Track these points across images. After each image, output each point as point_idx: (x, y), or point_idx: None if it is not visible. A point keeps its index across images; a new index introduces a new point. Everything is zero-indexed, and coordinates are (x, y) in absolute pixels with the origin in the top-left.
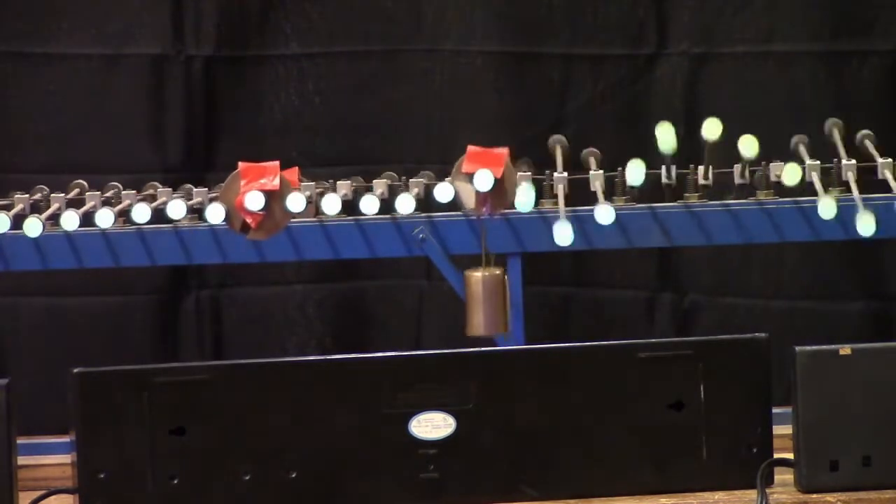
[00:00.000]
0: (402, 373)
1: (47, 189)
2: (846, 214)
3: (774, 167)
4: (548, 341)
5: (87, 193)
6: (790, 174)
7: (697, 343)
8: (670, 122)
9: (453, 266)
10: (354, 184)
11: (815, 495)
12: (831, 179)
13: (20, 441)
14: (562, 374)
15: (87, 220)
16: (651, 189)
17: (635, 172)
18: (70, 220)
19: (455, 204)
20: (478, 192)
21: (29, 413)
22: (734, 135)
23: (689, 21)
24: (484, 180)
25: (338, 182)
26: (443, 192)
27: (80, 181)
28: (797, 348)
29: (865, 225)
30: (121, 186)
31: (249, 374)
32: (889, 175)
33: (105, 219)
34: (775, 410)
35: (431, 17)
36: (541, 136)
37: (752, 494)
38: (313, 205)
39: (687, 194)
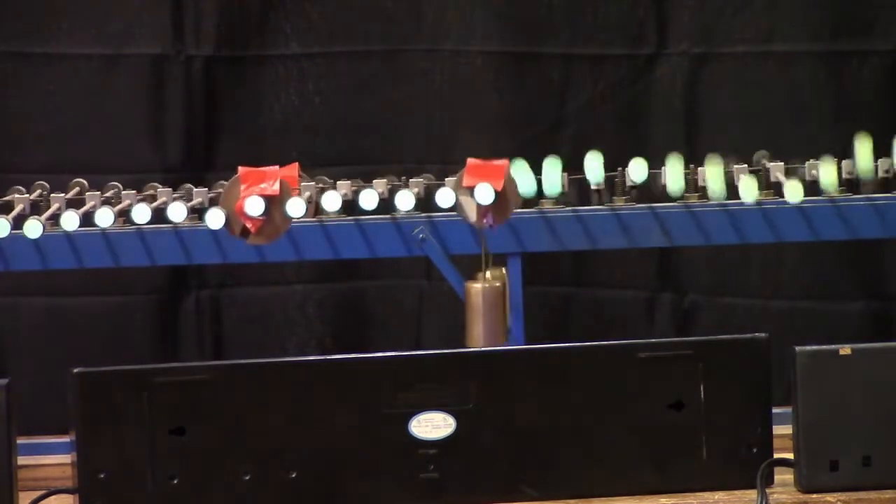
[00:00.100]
0: (402, 373)
1: (47, 186)
2: (846, 214)
3: (774, 168)
4: (548, 341)
5: (88, 193)
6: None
7: (697, 343)
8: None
9: (453, 266)
10: (354, 185)
11: (815, 495)
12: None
13: (20, 441)
14: (562, 374)
15: (86, 219)
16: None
17: (637, 170)
18: (70, 221)
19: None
20: (479, 205)
21: (29, 413)
22: (735, 135)
23: (689, 21)
24: (485, 194)
25: (338, 182)
26: (444, 197)
27: (80, 180)
28: (797, 348)
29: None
30: (121, 186)
31: (249, 374)
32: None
33: (105, 218)
34: (775, 410)
35: (431, 17)
36: (541, 136)
37: (752, 494)
38: (313, 204)
39: (687, 194)
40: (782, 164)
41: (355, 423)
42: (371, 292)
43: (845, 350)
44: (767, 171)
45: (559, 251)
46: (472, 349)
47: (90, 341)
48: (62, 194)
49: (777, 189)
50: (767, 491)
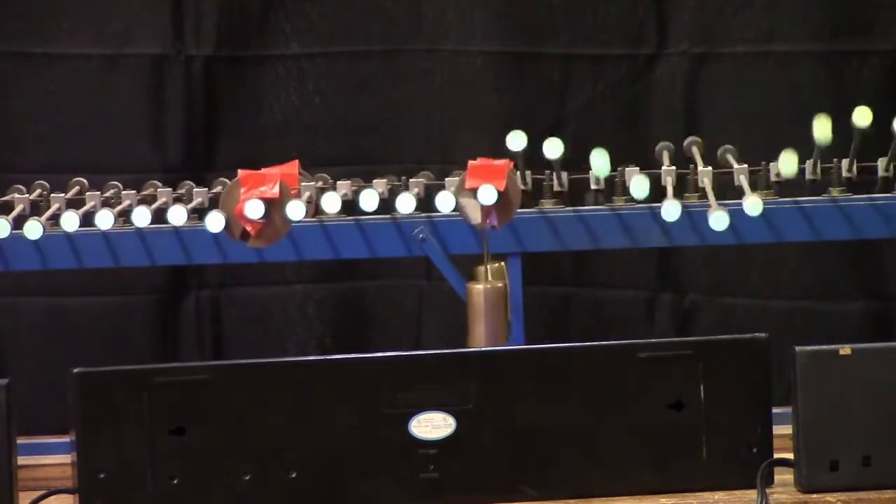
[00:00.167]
0: (402, 373)
1: (47, 186)
2: (847, 214)
3: (774, 167)
4: (548, 341)
5: (88, 193)
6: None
7: (697, 343)
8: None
9: (453, 266)
10: (354, 185)
11: (815, 495)
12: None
13: (20, 441)
14: (562, 374)
15: (86, 220)
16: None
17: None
18: (70, 221)
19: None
20: (482, 207)
21: (29, 413)
22: (735, 135)
23: (689, 21)
24: (488, 195)
25: (338, 182)
26: (444, 201)
27: (80, 179)
28: (797, 348)
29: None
30: (121, 186)
31: (249, 374)
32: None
33: (105, 220)
34: (775, 410)
35: (431, 17)
36: (541, 135)
37: (752, 494)
38: (313, 204)
39: (687, 194)
40: (746, 166)
41: (355, 423)
42: (371, 292)
43: (845, 350)
44: (768, 171)
45: (559, 251)
46: (472, 349)
47: (90, 341)
48: (62, 194)
49: (776, 188)
50: (767, 491)
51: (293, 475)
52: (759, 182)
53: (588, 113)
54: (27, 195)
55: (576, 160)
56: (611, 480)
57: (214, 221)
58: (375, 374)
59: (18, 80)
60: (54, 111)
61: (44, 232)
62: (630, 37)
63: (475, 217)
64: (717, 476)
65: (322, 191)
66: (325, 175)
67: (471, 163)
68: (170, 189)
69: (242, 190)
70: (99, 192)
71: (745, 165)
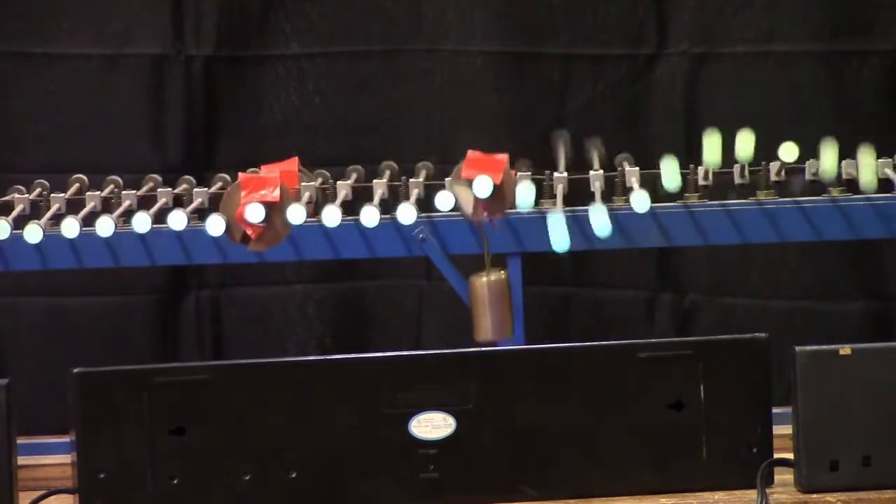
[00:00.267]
0: (402, 373)
1: (47, 185)
2: (847, 214)
3: (774, 167)
4: (548, 341)
5: (88, 194)
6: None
7: (697, 343)
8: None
9: (453, 266)
10: (355, 179)
11: (815, 495)
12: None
13: (20, 441)
14: (562, 374)
15: (86, 220)
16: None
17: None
18: (70, 228)
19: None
20: (477, 199)
21: (29, 413)
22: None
23: (689, 21)
24: (483, 186)
25: (338, 182)
26: (443, 200)
27: (80, 176)
28: (797, 348)
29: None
30: (120, 181)
31: (249, 374)
32: (891, 173)
33: (105, 227)
34: (775, 410)
35: (431, 17)
36: (541, 136)
37: (752, 494)
38: (313, 204)
39: (687, 194)
40: (638, 169)
41: (355, 423)
42: (371, 292)
43: (845, 350)
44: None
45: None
46: (471, 349)
47: (90, 341)
48: (62, 194)
49: (776, 188)
50: (767, 491)
51: (293, 475)
52: (759, 182)
53: (588, 113)
54: (27, 195)
55: (576, 160)
56: (611, 480)
57: (215, 225)
58: (375, 374)
59: (18, 80)
60: (54, 111)
61: (44, 235)
62: (630, 37)
63: (468, 208)
64: (717, 476)
65: (323, 191)
66: (325, 172)
67: (469, 153)
68: (170, 189)
69: (243, 193)
70: (99, 193)
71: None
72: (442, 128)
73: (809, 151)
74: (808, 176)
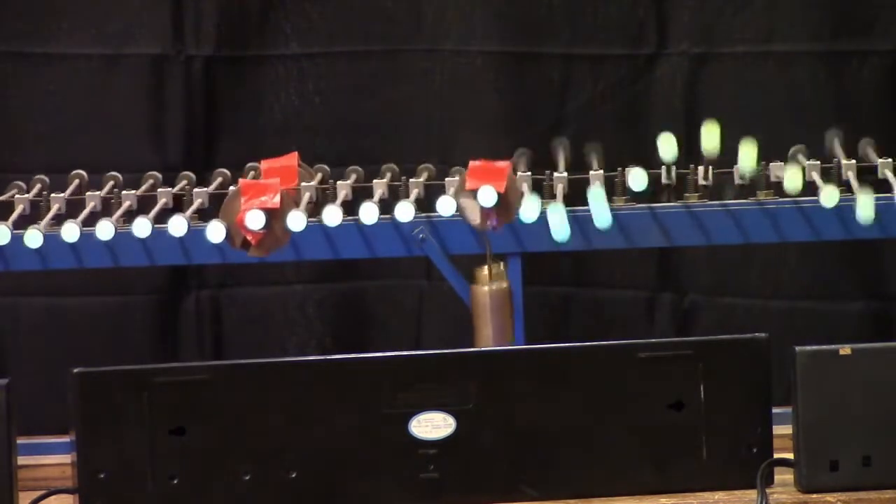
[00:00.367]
0: (402, 373)
1: (47, 181)
2: (847, 214)
3: (774, 167)
4: (548, 341)
5: (88, 194)
6: (792, 179)
7: (697, 343)
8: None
9: (453, 266)
10: (355, 180)
11: (815, 495)
12: (832, 179)
13: (20, 441)
14: (562, 374)
15: (87, 219)
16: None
17: (638, 178)
18: (70, 232)
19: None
20: (482, 208)
21: (29, 413)
22: (734, 135)
23: (689, 21)
24: (488, 196)
25: (338, 182)
26: (444, 205)
27: (80, 172)
28: (797, 348)
29: (864, 206)
30: (120, 178)
31: (249, 374)
32: (889, 174)
33: (105, 231)
34: (775, 410)
35: (431, 17)
36: (541, 136)
37: (752, 494)
38: (312, 204)
39: (687, 194)
40: (818, 163)
41: (355, 423)
42: (371, 292)
43: (845, 350)
44: (768, 170)
45: (559, 251)
46: (472, 349)
47: (90, 341)
48: (62, 194)
49: (778, 189)
50: (767, 491)
51: (293, 475)
52: (758, 182)
53: (588, 113)
54: (27, 195)
55: (576, 160)
56: (611, 480)
57: (215, 232)
58: (375, 374)
59: (18, 80)
60: (54, 111)
61: (44, 239)
62: (630, 37)
63: (475, 218)
64: (717, 476)
65: (323, 191)
66: (325, 166)
67: (471, 163)
68: (169, 189)
69: (243, 200)
70: (99, 193)
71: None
72: (442, 128)
73: (809, 151)
74: (808, 177)
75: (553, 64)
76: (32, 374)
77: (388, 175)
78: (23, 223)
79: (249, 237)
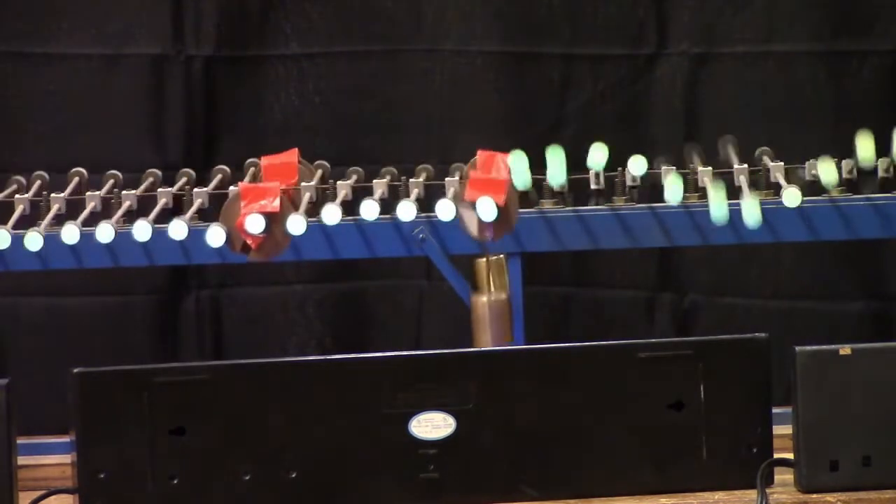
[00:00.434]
0: (402, 373)
1: (47, 177)
2: (847, 214)
3: (774, 167)
4: (548, 341)
5: (88, 194)
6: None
7: (697, 343)
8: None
9: (453, 266)
10: (355, 180)
11: (815, 495)
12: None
13: (20, 441)
14: (562, 374)
15: (86, 219)
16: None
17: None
18: (70, 234)
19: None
20: (481, 220)
21: (29, 413)
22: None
23: (689, 21)
24: (487, 210)
25: (338, 182)
26: (444, 209)
27: (80, 169)
28: (797, 348)
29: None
30: (120, 176)
31: (249, 374)
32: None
33: (105, 234)
34: (775, 410)
35: (431, 17)
36: (541, 136)
37: (752, 494)
38: (312, 204)
39: (687, 194)
40: (782, 164)
41: (355, 423)
42: (371, 292)
43: (845, 350)
44: (768, 171)
45: (559, 251)
46: (471, 349)
47: (90, 341)
48: (62, 194)
49: (777, 189)
50: (767, 491)
51: (293, 475)
52: (759, 182)
53: (588, 113)
54: (27, 195)
55: (576, 160)
56: (611, 480)
57: (215, 236)
58: (375, 374)
59: (18, 80)
60: (54, 111)
61: (44, 240)
62: (630, 37)
63: (473, 228)
64: (717, 476)
65: (323, 190)
66: (325, 163)
67: (472, 174)
68: (169, 189)
69: (243, 203)
70: (99, 193)
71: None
72: (442, 128)
73: (809, 151)
74: (808, 176)
75: (553, 64)
76: (32, 374)
77: (388, 177)
78: (23, 222)
79: (249, 241)
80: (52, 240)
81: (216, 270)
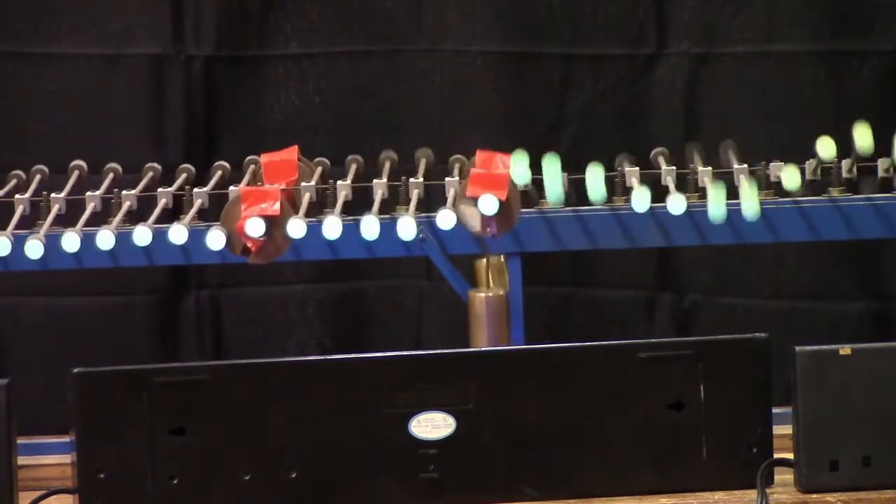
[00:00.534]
0: (402, 373)
1: (46, 171)
2: (847, 214)
3: (774, 167)
4: (548, 341)
5: (88, 194)
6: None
7: (697, 343)
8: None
9: (453, 266)
10: (355, 171)
11: (815, 495)
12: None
13: (20, 441)
14: (562, 374)
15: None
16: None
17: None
18: (71, 242)
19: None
20: (482, 216)
21: (29, 413)
22: (735, 135)
23: (689, 21)
24: (489, 205)
25: (338, 182)
26: (445, 219)
27: (80, 163)
28: (797, 348)
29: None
30: (119, 169)
31: (249, 374)
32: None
33: (106, 240)
34: (775, 410)
35: (431, 17)
36: (541, 135)
37: (752, 494)
38: (313, 203)
39: (688, 194)
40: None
41: (355, 423)
42: (371, 292)
43: (845, 350)
44: (768, 170)
45: (559, 251)
46: (471, 349)
47: (90, 341)
48: (61, 194)
49: (778, 189)
50: (767, 491)
51: (293, 475)
52: (759, 182)
53: (588, 113)
54: (27, 195)
55: (576, 160)
56: (611, 480)
57: (215, 239)
58: (375, 374)
59: (18, 80)
60: (54, 111)
61: (45, 241)
62: (630, 37)
63: (475, 225)
64: (717, 476)
65: (324, 191)
66: (325, 160)
67: (473, 171)
68: (169, 189)
69: (243, 206)
70: (98, 193)
71: (745, 165)
72: (442, 128)
73: (809, 151)
74: (807, 176)
75: (553, 64)
76: (32, 374)
77: (388, 165)
78: (23, 221)
79: (250, 244)
80: (52, 240)
81: (216, 270)
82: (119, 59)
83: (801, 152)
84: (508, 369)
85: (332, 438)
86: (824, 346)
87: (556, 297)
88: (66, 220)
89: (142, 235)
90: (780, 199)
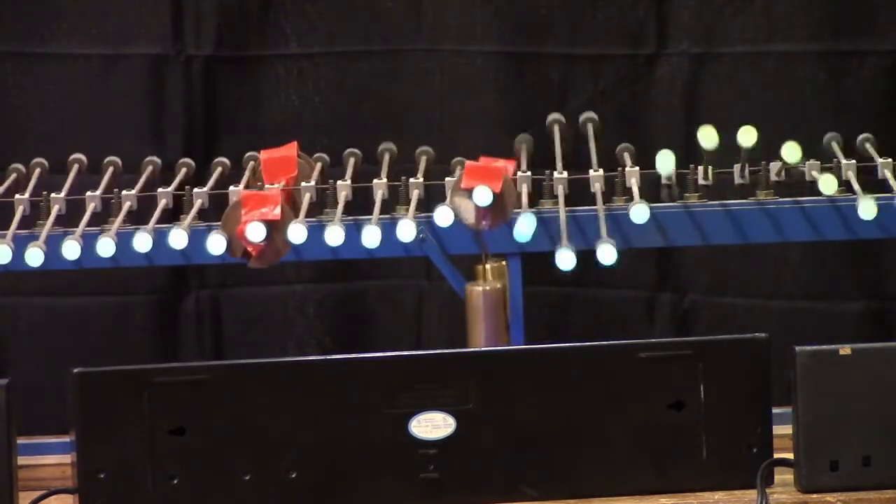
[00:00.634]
0: (402, 373)
1: (46, 164)
2: (847, 214)
3: (774, 167)
4: (548, 341)
5: (88, 194)
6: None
7: (697, 343)
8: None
9: (453, 266)
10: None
11: (815, 495)
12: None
13: (20, 441)
14: (562, 374)
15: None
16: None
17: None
18: (71, 250)
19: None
20: (477, 208)
21: (29, 413)
22: (735, 135)
23: (689, 21)
24: (483, 196)
25: (338, 182)
26: (442, 216)
27: (79, 156)
28: (797, 348)
29: (867, 209)
30: (119, 163)
31: (249, 374)
32: (889, 174)
33: (106, 248)
34: (775, 410)
35: (431, 17)
36: (541, 136)
37: (752, 494)
38: (313, 203)
39: (687, 194)
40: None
41: (355, 423)
42: (371, 292)
43: (845, 350)
44: (768, 170)
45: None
46: (472, 349)
47: (90, 341)
48: (61, 194)
49: (777, 189)
50: (767, 491)
51: (293, 475)
52: (759, 182)
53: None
54: (26, 195)
55: (575, 160)
56: (611, 480)
57: (216, 244)
58: (375, 374)
59: (18, 80)
60: (54, 111)
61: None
62: (630, 37)
63: (469, 218)
64: (717, 476)
65: (324, 190)
66: (325, 156)
67: (468, 163)
68: (169, 189)
69: (244, 211)
70: (98, 193)
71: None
72: (442, 128)
73: (810, 151)
74: (808, 176)
75: (553, 64)
76: (32, 374)
77: (387, 156)
78: (23, 220)
79: (250, 249)
80: (52, 240)
81: (216, 270)
82: (119, 59)
83: (801, 152)
84: (508, 369)
85: (333, 438)
86: (824, 346)
87: (556, 297)
88: (67, 219)
89: (142, 241)
90: (780, 199)
